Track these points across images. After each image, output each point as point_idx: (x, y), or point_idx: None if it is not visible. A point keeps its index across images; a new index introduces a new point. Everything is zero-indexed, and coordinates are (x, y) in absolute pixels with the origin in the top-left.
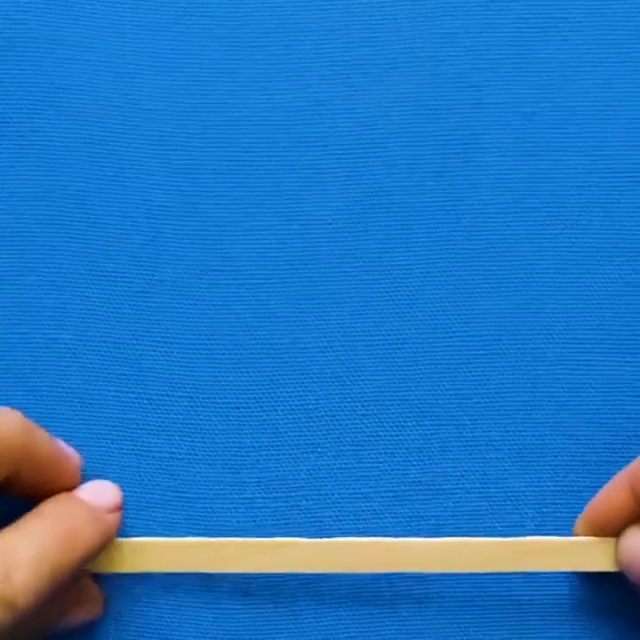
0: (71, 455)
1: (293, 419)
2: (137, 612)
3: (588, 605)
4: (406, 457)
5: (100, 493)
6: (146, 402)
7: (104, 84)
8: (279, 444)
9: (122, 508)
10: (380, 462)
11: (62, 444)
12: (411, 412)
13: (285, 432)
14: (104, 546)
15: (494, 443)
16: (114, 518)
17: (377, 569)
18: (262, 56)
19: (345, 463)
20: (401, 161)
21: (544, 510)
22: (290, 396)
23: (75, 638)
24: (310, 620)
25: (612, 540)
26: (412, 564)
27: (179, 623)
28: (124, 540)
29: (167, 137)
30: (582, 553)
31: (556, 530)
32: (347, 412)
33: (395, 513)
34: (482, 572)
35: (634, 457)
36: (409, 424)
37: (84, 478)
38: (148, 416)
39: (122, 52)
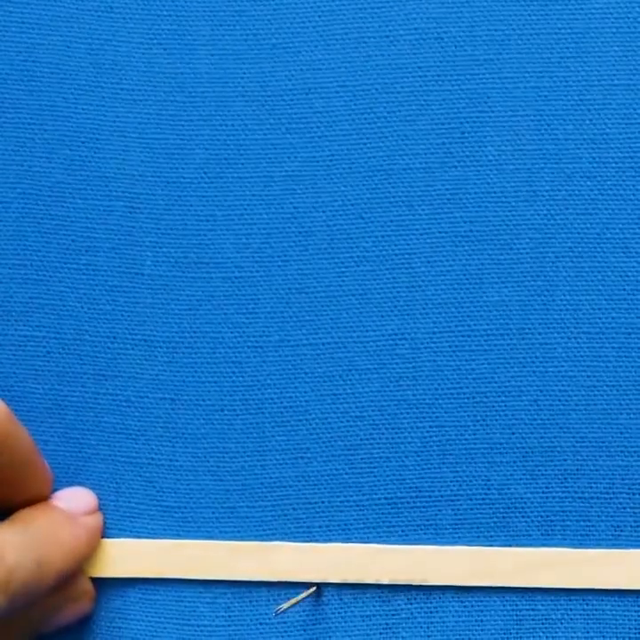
0: (45, 464)
1: (281, 422)
2: (127, 613)
3: (600, 625)
4: (403, 462)
5: (75, 499)
6: (124, 404)
7: (83, 70)
8: (266, 448)
9: (99, 509)
10: (375, 468)
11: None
12: (408, 414)
13: (273, 436)
14: (90, 547)
15: (498, 446)
16: (93, 520)
17: (375, 578)
18: (252, 40)
19: (336, 469)
20: (401, 143)
21: (552, 519)
22: (278, 398)
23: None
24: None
25: (626, 554)
26: (410, 573)
27: (173, 623)
28: (115, 541)
29: (150, 123)
30: (594, 567)
31: (564, 540)
32: (339, 414)
33: (390, 522)
34: (484, 585)
35: None
36: (406, 426)
37: (59, 485)
38: (126, 419)
39: (101, 35)
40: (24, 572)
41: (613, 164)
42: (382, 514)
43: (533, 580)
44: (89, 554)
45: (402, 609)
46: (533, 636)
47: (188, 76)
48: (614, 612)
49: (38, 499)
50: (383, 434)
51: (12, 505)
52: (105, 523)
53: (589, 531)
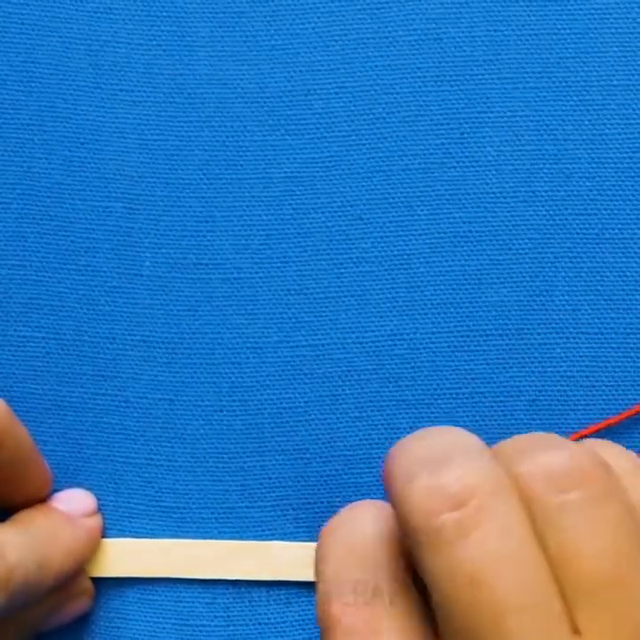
0: (45, 463)
1: (280, 422)
2: (126, 613)
3: None
4: None
5: (74, 501)
6: (123, 405)
7: (82, 71)
8: (265, 449)
9: (98, 511)
10: (374, 468)
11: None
12: (407, 414)
13: (272, 437)
14: (89, 549)
15: None
16: (92, 521)
17: None
18: (252, 41)
19: (335, 470)
20: (400, 144)
21: None
22: (277, 398)
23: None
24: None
25: None
26: None
27: (172, 623)
28: (113, 540)
29: (149, 124)
30: None
31: None
32: (338, 415)
33: None
34: None
35: None
36: (404, 426)
37: (58, 485)
38: (125, 420)
39: (100, 36)
40: (24, 571)
41: (613, 165)
42: None
43: None
44: (88, 555)
45: None
46: None
47: (187, 78)
48: None
49: (38, 497)
50: (382, 434)
51: (11, 504)
52: (104, 523)
53: None
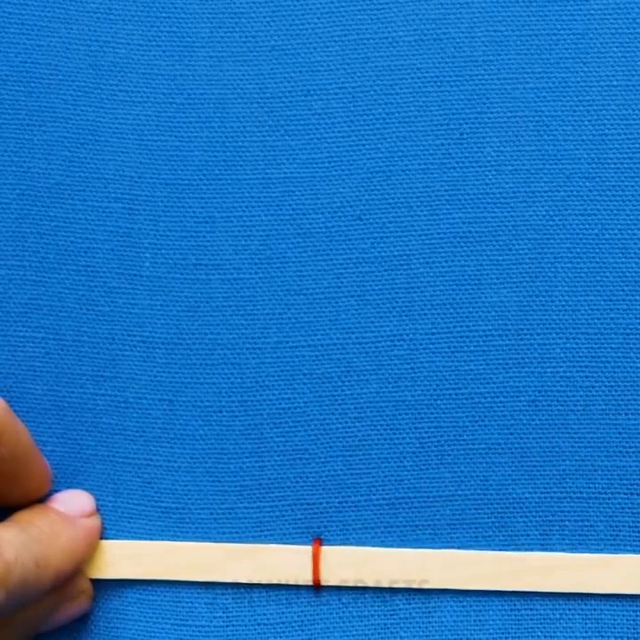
0: (44, 461)
1: (279, 423)
2: (125, 613)
3: (598, 625)
4: (401, 462)
5: (73, 502)
6: (122, 405)
7: (82, 71)
8: (264, 450)
9: (97, 512)
10: (373, 469)
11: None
12: (406, 414)
13: (271, 437)
14: (88, 549)
15: (496, 446)
16: (91, 522)
17: (375, 580)
18: (251, 42)
19: (334, 470)
20: (399, 145)
21: (550, 519)
22: (276, 399)
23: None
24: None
25: (625, 559)
26: (409, 575)
27: (171, 624)
28: (111, 542)
29: (149, 124)
30: (593, 572)
31: (562, 540)
32: (337, 416)
33: (388, 523)
34: (484, 588)
35: None
36: (404, 427)
37: (57, 486)
38: (124, 420)
39: (100, 37)
40: (22, 569)
41: (612, 165)
42: (380, 514)
43: (533, 585)
44: (87, 556)
45: (400, 609)
46: (532, 636)
47: (186, 78)
48: (612, 613)
49: (37, 495)
50: (381, 434)
51: (11, 501)
52: (103, 524)
53: (588, 531)
